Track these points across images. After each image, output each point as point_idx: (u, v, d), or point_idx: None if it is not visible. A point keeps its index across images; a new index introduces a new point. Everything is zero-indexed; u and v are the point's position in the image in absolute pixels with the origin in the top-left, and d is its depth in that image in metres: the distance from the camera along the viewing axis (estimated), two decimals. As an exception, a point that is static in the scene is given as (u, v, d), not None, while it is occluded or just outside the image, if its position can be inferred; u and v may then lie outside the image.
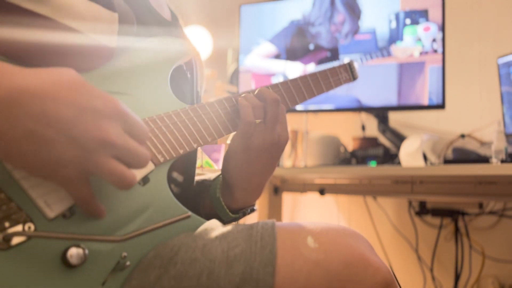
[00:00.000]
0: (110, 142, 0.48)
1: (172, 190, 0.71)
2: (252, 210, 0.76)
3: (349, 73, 0.88)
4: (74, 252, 0.50)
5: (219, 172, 0.76)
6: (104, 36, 0.60)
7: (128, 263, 0.54)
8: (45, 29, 0.55)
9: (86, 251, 0.51)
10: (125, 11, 0.63)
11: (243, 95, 0.71)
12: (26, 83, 0.46)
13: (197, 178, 0.80)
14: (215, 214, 0.74)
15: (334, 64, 0.88)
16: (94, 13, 0.58)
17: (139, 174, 0.57)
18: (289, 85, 0.78)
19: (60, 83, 0.48)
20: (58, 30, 0.55)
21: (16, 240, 0.48)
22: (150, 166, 0.59)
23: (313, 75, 0.81)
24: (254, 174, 0.71)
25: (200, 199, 0.78)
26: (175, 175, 0.72)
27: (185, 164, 0.74)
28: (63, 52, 0.57)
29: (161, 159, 0.59)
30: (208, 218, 0.66)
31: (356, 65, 0.89)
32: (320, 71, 0.83)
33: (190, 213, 0.55)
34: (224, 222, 0.72)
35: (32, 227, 0.49)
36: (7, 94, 0.45)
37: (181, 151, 0.62)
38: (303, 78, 0.80)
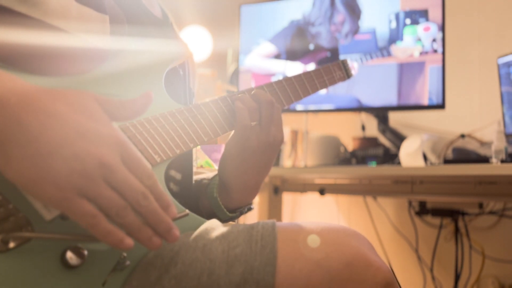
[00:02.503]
0: (109, 166, 0.45)
1: (171, 189, 0.71)
2: (249, 209, 0.77)
3: (343, 71, 0.88)
4: (73, 253, 0.50)
5: (216, 172, 0.77)
6: (96, 38, 0.59)
7: (127, 263, 0.54)
8: (38, 32, 0.55)
9: (85, 252, 0.51)
10: (116, 13, 0.63)
11: (239, 95, 0.71)
12: (40, 99, 0.46)
13: (195, 177, 0.80)
14: (215, 213, 0.74)
15: (334, 64, 0.87)
16: (85, 15, 0.58)
17: None
18: (283, 84, 0.78)
19: (71, 104, 0.47)
20: (51, 33, 0.55)
21: (14, 242, 0.48)
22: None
23: (307, 74, 0.81)
24: (250, 175, 0.72)
25: (199, 198, 0.78)
26: (173, 173, 0.72)
27: (181, 161, 0.74)
28: (56, 54, 0.56)
29: (158, 159, 0.58)
30: (208, 217, 0.66)
31: (350, 63, 0.89)
32: (314, 70, 0.83)
33: (188, 211, 0.55)
34: (222, 221, 0.72)
35: (30, 229, 0.49)
36: (19, 100, 0.44)
37: (178, 151, 0.61)
38: (298, 77, 0.80)
